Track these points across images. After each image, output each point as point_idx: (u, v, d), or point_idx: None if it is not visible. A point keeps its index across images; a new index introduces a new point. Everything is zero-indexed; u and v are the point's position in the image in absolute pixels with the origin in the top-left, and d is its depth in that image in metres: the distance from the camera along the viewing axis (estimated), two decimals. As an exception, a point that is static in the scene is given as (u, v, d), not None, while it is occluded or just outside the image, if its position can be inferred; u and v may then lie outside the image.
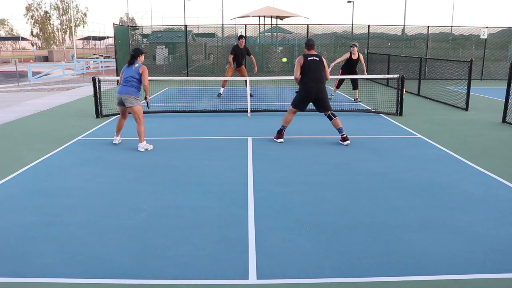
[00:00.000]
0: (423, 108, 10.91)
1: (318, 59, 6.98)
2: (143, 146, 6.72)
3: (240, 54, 12.23)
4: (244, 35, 12.83)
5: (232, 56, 12.22)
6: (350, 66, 11.49)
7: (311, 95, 6.98)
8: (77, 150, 6.81)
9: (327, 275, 3.17)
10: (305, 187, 5.06)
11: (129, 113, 6.89)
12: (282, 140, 7.21)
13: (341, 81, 11.90)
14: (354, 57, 11.37)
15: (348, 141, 7.05)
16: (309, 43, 7.08)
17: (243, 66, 12.55)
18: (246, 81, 11.63)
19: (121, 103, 6.81)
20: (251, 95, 12.08)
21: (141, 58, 6.86)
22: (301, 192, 4.88)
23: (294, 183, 5.21)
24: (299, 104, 7.12)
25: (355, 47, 11.35)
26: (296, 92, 7.22)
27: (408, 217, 4.20)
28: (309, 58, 6.95)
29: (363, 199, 4.67)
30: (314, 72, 6.91)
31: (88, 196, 4.77)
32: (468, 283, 3.06)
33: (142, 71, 6.69)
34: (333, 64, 11.69)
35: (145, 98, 6.96)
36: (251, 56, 12.54)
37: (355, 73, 11.42)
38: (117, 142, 7.12)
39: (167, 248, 3.57)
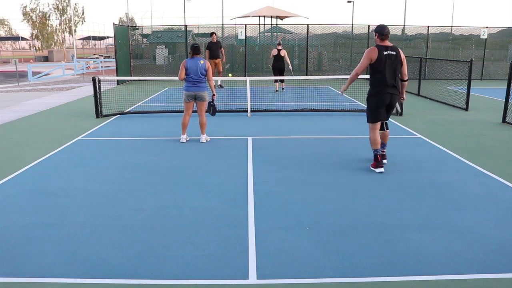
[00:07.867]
0: (423, 108, 10.91)
1: (395, 53, 5.29)
2: (205, 138, 7.32)
3: (215, 47, 14.26)
4: (215, 31, 15.47)
5: (208, 51, 14.22)
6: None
7: (385, 100, 5.41)
8: (77, 150, 6.81)
9: (327, 275, 3.17)
10: (305, 187, 5.06)
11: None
12: (382, 169, 5.50)
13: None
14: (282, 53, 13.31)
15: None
16: (384, 32, 5.26)
17: (219, 60, 14.39)
18: (219, 72, 14.30)
19: (192, 99, 7.18)
20: (221, 86, 14.74)
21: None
22: (301, 192, 4.88)
23: (294, 183, 5.21)
24: (375, 115, 5.51)
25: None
26: (367, 100, 5.63)
27: (408, 217, 4.20)
28: (384, 52, 5.24)
29: (363, 199, 4.67)
30: (390, 71, 5.28)
31: (88, 196, 4.77)
32: (468, 283, 3.06)
33: (208, 67, 7.12)
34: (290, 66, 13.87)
35: (213, 95, 7.41)
36: (222, 49, 14.60)
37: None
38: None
39: (167, 248, 3.57)
